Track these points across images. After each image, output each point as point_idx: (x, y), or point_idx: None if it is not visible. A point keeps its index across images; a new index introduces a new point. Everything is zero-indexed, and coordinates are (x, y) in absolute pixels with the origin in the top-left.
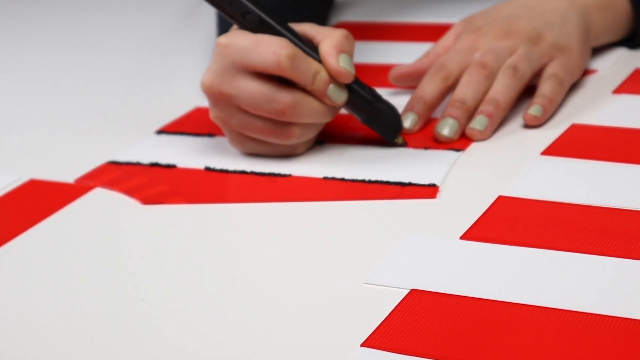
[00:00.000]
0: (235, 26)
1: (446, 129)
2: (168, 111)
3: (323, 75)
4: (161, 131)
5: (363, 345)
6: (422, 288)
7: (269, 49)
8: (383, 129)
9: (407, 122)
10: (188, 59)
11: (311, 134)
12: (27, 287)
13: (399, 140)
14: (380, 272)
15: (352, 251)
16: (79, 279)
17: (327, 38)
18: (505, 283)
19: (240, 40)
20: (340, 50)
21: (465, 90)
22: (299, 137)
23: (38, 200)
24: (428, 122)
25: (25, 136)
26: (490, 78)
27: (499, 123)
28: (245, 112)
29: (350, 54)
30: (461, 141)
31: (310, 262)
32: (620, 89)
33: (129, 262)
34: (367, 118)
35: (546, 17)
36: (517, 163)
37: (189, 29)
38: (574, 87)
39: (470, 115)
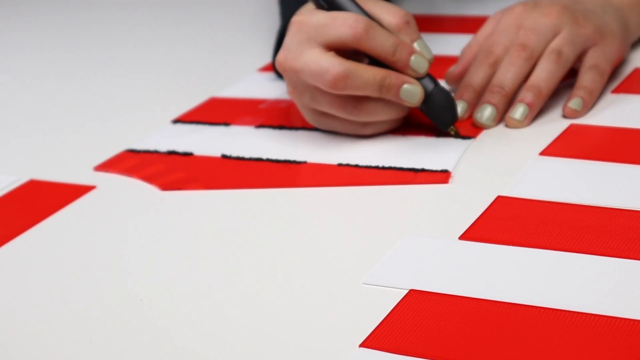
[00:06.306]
0: (303, 8)
1: (485, 116)
2: (183, 102)
3: (405, 46)
4: (177, 120)
5: (362, 345)
6: (421, 288)
7: (346, 23)
8: (438, 117)
9: (457, 110)
10: (202, 50)
11: (382, 116)
12: (27, 287)
13: (452, 130)
14: (379, 272)
15: (351, 251)
16: (78, 279)
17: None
18: (505, 283)
19: (316, 16)
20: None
21: (505, 75)
22: (369, 115)
23: (38, 200)
24: None
25: (25, 136)
26: (531, 60)
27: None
28: (315, 87)
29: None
30: (472, 129)
31: (309, 262)
32: (619, 89)
33: (128, 263)
34: (423, 103)
35: (586, 5)
36: (516, 163)
37: (203, 19)
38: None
39: (509, 100)
